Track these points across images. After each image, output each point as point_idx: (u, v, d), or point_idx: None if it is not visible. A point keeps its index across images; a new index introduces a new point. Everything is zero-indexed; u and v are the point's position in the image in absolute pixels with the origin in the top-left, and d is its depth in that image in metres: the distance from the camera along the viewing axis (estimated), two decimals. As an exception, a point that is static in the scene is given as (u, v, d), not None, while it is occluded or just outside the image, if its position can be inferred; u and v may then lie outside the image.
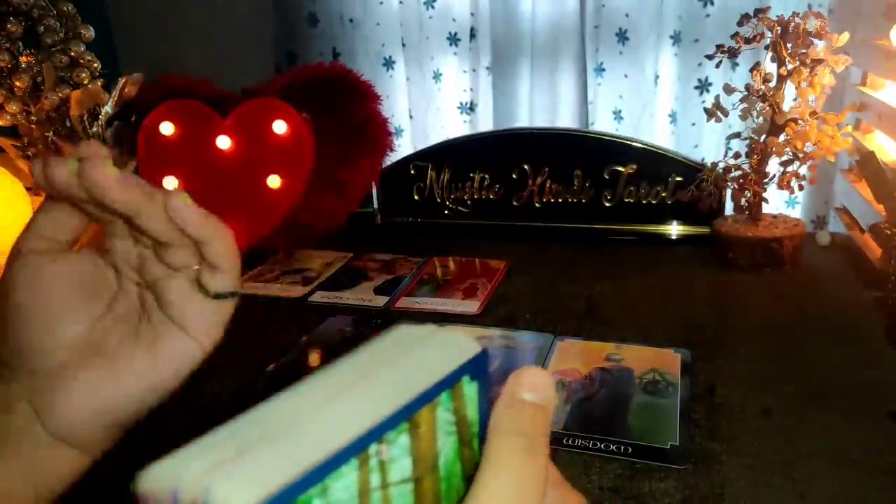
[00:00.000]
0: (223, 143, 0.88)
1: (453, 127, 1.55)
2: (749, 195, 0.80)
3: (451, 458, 0.20)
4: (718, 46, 0.78)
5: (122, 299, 0.34)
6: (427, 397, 0.19)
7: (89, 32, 0.86)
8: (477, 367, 0.21)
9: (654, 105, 1.42)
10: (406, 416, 0.18)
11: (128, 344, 0.33)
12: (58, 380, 0.31)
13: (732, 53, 0.77)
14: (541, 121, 1.46)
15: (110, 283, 0.34)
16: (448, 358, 0.20)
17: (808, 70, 0.74)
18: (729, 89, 0.80)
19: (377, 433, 0.18)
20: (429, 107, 1.55)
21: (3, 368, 0.32)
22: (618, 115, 1.45)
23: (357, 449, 0.17)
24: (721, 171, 0.81)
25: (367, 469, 0.17)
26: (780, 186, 0.79)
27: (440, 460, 0.20)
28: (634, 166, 0.89)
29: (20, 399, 0.31)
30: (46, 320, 0.31)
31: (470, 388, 0.21)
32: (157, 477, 0.16)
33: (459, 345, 0.21)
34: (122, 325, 0.34)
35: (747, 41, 0.76)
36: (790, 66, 0.75)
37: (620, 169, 0.90)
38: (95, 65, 0.87)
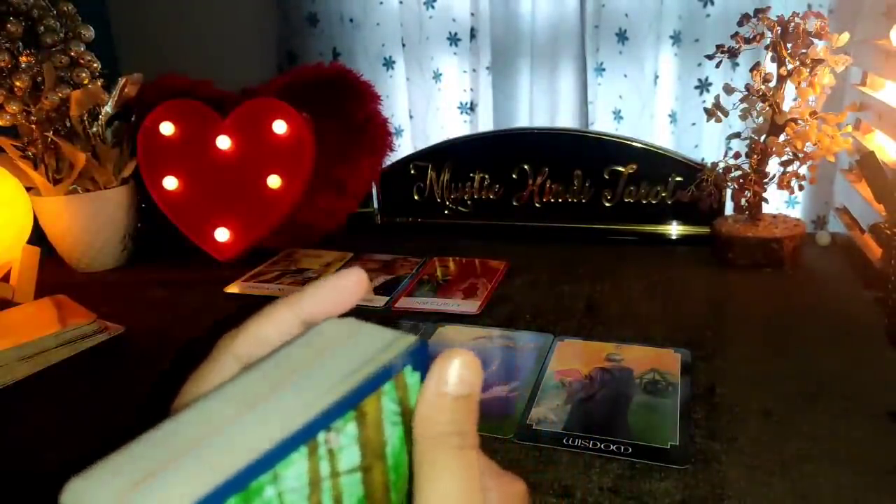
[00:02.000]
0: (223, 143, 0.88)
1: (453, 127, 1.55)
2: (749, 195, 0.80)
3: (398, 447, 0.21)
4: (718, 46, 0.78)
5: None
6: (372, 386, 0.19)
7: (89, 32, 0.86)
8: (418, 358, 0.21)
9: (654, 105, 1.42)
10: (353, 403, 0.19)
11: None
12: None
13: (732, 53, 0.77)
14: (541, 121, 1.46)
15: None
16: (387, 348, 0.21)
17: (808, 70, 0.74)
18: (729, 89, 0.80)
19: (325, 421, 0.18)
20: (429, 107, 1.55)
21: None
22: (617, 114, 1.45)
23: (306, 436, 0.17)
24: (721, 171, 0.81)
25: (316, 457, 0.18)
26: (780, 186, 0.79)
27: (387, 449, 0.20)
28: (634, 166, 0.89)
29: None
30: None
31: (412, 379, 0.21)
32: (82, 491, 0.15)
33: (397, 336, 0.21)
34: None
35: (747, 41, 0.76)
36: (790, 66, 0.75)
37: (620, 169, 0.90)
38: (95, 65, 0.87)
